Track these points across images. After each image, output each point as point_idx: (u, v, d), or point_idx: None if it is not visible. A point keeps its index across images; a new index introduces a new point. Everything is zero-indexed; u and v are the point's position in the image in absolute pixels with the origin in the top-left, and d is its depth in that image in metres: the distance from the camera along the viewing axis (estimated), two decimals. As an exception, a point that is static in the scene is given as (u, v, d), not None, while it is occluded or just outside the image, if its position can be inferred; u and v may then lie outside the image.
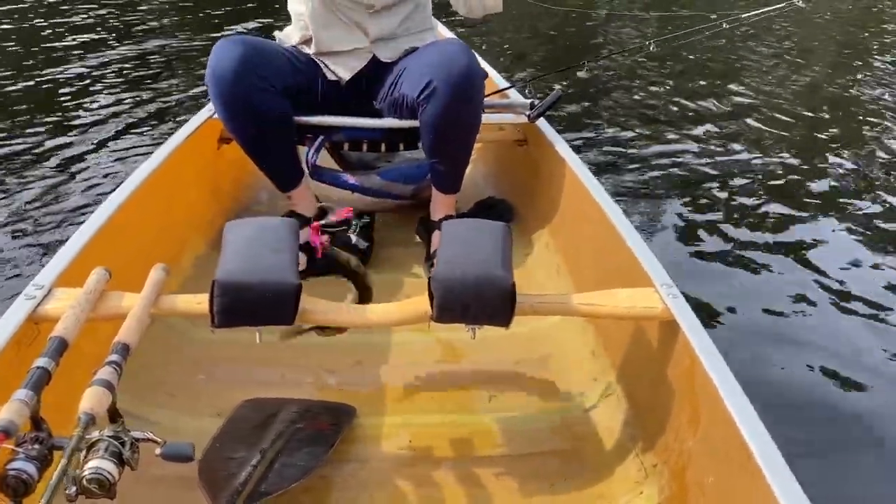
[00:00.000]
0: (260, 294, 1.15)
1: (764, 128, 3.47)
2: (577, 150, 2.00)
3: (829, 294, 2.23)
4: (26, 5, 7.18)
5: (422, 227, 2.06)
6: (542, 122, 2.09)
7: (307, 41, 1.93)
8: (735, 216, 2.65)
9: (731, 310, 2.07)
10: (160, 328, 1.59)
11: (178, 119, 3.79)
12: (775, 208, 2.71)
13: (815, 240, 2.51)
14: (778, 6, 2.06)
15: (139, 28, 5.98)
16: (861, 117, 3.64)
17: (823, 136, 3.40)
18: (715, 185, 2.89)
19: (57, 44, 5.56)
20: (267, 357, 1.56)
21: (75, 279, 1.25)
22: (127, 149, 3.30)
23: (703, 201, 2.75)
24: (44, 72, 4.73)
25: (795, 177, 2.96)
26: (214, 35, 5.82)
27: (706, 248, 2.42)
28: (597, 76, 4.09)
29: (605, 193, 1.70)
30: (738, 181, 2.92)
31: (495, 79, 2.44)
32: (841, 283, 2.28)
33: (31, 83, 4.44)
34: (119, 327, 1.13)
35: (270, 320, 1.19)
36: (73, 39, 5.62)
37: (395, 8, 1.86)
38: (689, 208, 2.69)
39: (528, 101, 2.13)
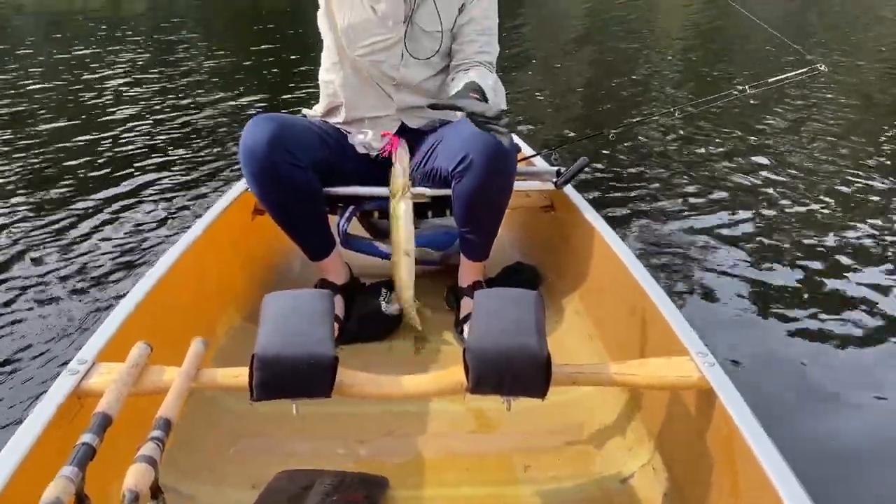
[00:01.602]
0: (298, 367, 1.17)
1: (794, 190, 3.44)
2: (604, 215, 2.02)
3: (875, 360, 2.16)
4: (69, 76, 7.52)
5: (451, 294, 2.08)
6: (568, 189, 2.12)
7: (335, 108, 1.99)
8: (769, 280, 2.61)
9: (770, 377, 2.02)
10: (196, 399, 1.60)
11: (217, 185, 3.89)
12: (812, 272, 2.66)
13: (855, 303, 2.46)
14: (801, 71, 2.09)
15: (180, 99, 6.21)
16: (890, 179, 3.61)
17: (855, 198, 3.36)
18: (746, 249, 2.86)
19: (95, 113, 5.78)
20: (301, 427, 1.56)
21: (117, 353, 1.28)
22: (167, 218, 3.39)
23: (735, 266, 2.72)
24: (83, 140, 4.90)
25: (831, 240, 2.91)
26: (256, 100, 6.05)
27: (741, 313, 2.37)
28: (623, 143, 4.13)
29: (636, 259, 1.71)
30: (770, 245, 2.89)
31: (521, 146, 2.48)
32: (888, 349, 2.21)
33: (73, 154, 4.58)
34: (159, 399, 1.15)
35: (307, 393, 1.21)
36: (113, 110, 5.84)
37: (417, 86, 1.92)
38: (722, 273, 2.66)
39: (555, 168, 2.16)
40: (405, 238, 1.63)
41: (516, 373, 1.19)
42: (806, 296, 2.51)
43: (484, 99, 1.64)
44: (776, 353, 2.16)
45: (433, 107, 1.61)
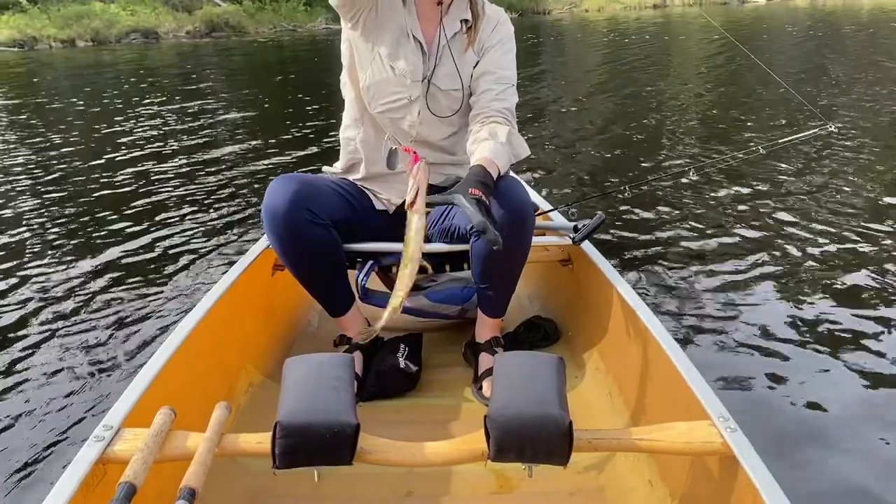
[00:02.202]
0: (320, 436, 1.18)
1: (814, 247, 3.40)
2: (621, 271, 2.02)
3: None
4: (93, 130, 7.70)
5: (469, 350, 2.08)
6: (585, 244, 2.13)
7: (355, 165, 2.03)
8: (790, 339, 2.56)
9: (795, 443, 1.98)
10: (218, 460, 1.61)
11: (241, 235, 3.93)
12: (836, 332, 2.60)
13: (882, 365, 2.38)
14: (811, 132, 2.13)
15: (204, 153, 6.34)
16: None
17: (881, 257, 3.29)
18: (766, 307, 2.82)
19: (117, 168, 5.90)
20: (322, 489, 1.55)
21: (142, 419, 1.29)
22: (191, 274, 3.41)
23: (755, 324, 2.68)
24: (106, 196, 5.00)
25: (855, 299, 2.84)
26: (279, 154, 6.16)
27: (763, 374, 2.31)
28: (640, 199, 4.16)
29: (654, 317, 1.71)
30: (790, 303, 2.84)
31: (538, 201, 2.50)
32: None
33: (95, 209, 4.67)
34: (183, 465, 1.16)
35: (329, 460, 1.21)
36: (135, 164, 5.96)
37: (435, 143, 1.95)
38: (741, 331, 2.62)
39: (572, 223, 2.18)
40: (413, 249, 1.61)
41: (538, 442, 1.19)
42: (831, 357, 2.43)
43: (488, 190, 1.61)
44: (801, 418, 2.09)
45: (430, 203, 1.62)
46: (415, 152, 1.72)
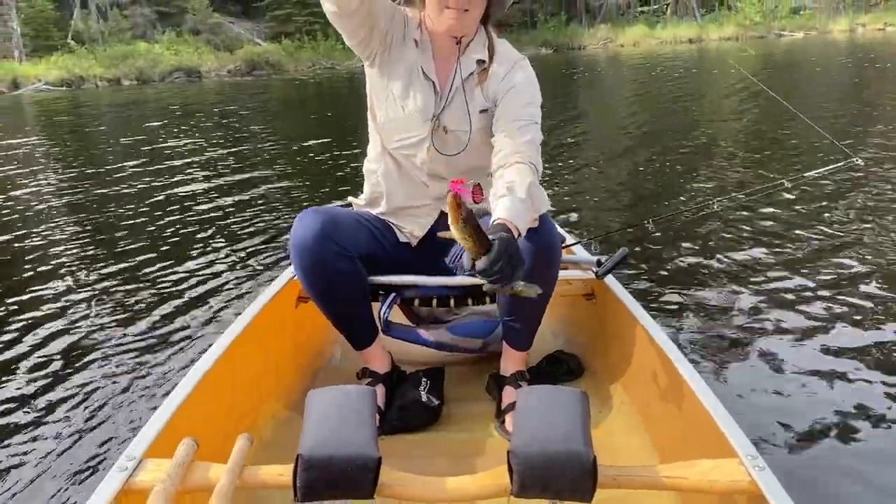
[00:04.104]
0: (341, 469, 1.18)
1: (840, 282, 3.32)
2: (645, 306, 2.00)
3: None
4: (131, 160, 7.92)
5: (493, 382, 2.07)
6: (609, 278, 2.12)
7: (377, 198, 2.05)
8: (821, 376, 2.48)
9: (825, 482, 1.91)
10: (238, 492, 1.61)
11: (267, 264, 3.99)
12: (867, 368, 2.51)
13: None
14: (837, 164, 2.10)
15: (235, 185, 6.50)
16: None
17: None
18: (793, 344, 2.75)
19: (147, 200, 6.04)
20: None
21: (165, 449, 1.30)
22: (216, 303, 3.46)
23: (782, 360, 2.61)
24: (131, 226, 5.13)
25: (886, 337, 2.74)
26: (309, 186, 6.27)
27: (791, 412, 2.25)
28: (663, 233, 4.13)
29: (680, 353, 1.69)
30: (819, 340, 2.76)
31: (561, 234, 2.50)
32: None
33: (122, 240, 4.79)
34: (204, 496, 1.17)
35: (350, 494, 1.21)
36: (165, 197, 6.12)
37: (449, 179, 1.95)
38: (768, 368, 2.56)
39: (595, 258, 2.17)
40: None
41: (562, 478, 1.18)
42: (863, 393, 2.36)
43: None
44: (831, 455, 2.03)
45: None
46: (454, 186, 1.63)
